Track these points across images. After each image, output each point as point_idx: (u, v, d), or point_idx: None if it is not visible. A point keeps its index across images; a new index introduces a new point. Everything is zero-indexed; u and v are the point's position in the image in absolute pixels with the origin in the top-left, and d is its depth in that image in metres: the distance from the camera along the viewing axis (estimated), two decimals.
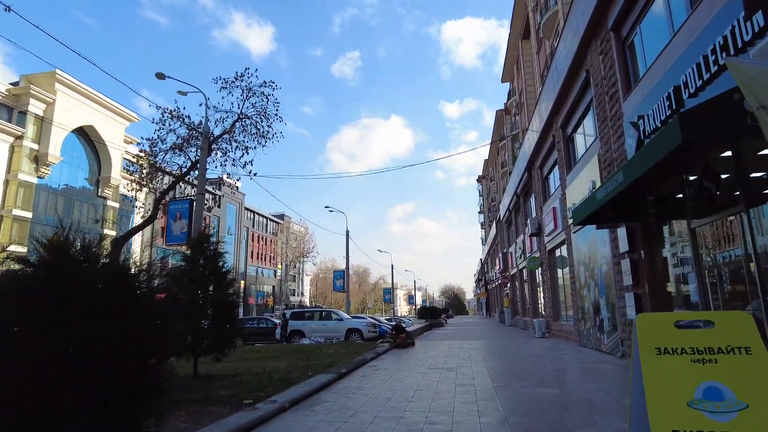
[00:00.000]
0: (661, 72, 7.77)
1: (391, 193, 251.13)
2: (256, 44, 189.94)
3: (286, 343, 21.23)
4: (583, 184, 12.45)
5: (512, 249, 31.41)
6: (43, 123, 41.98)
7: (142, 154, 18.80)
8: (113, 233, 48.83)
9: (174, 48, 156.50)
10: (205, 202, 20.90)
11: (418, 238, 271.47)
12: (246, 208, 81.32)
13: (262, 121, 20.54)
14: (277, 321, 24.17)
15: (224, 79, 20.01)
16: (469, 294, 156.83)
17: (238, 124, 20.23)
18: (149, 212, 19.29)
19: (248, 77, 20.03)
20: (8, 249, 4.75)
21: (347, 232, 38.76)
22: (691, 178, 7.39)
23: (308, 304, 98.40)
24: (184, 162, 20.06)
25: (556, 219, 16.33)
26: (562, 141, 15.35)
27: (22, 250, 34.15)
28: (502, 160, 44.03)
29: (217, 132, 20.10)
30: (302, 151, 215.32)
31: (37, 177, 41.95)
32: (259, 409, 5.54)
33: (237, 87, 20.08)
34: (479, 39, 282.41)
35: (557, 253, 17.85)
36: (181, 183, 21.37)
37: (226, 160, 20.32)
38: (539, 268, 21.01)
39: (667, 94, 6.99)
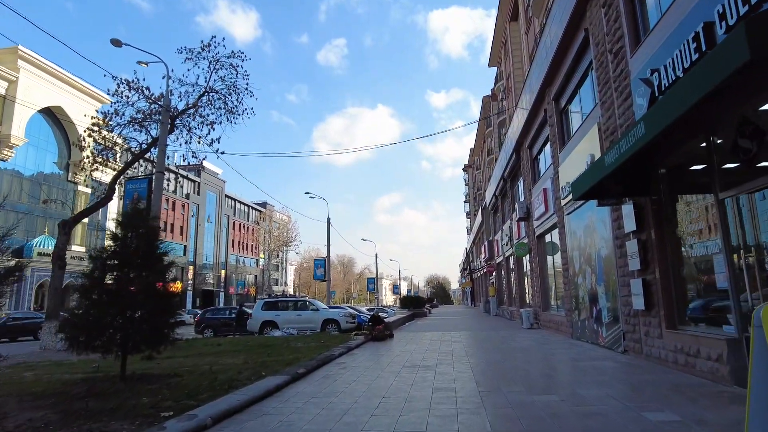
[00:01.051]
0: (682, 14, 6.43)
1: (378, 184, 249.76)
2: (241, 31, 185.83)
3: (258, 335, 19.81)
4: (579, 159, 11.16)
5: (498, 236, 30.27)
6: (5, 102, 39.55)
7: (94, 128, 17.04)
8: (85, 221, 46.74)
9: (156, 34, 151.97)
10: (167, 180, 19.23)
11: (404, 229, 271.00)
12: (227, 196, 79.16)
13: (231, 96, 18.92)
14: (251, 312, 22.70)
15: (189, 50, 18.30)
16: (455, 284, 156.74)
17: (204, 99, 18.56)
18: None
19: (215, 47, 18.34)
20: None
21: (328, 219, 37.31)
22: (719, 141, 6.10)
23: (292, 294, 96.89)
24: (145, 139, 18.38)
25: (546, 201, 15.08)
26: (555, 115, 14.03)
27: None
28: (489, 148, 42.88)
29: (181, 107, 18.44)
30: (288, 139, 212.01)
31: (0, 160, 39.57)
32: (166, 429, 4.12)
33: (203, 58, 18.40)
34: (465, 29, 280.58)
35: (547, 238, 16.65)
36: (145, 163, 19.71)
37: (191, 137, 18.63)
38: (527, 255, 19.82)
39: (693, 34, 5.65)
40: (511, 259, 25.24)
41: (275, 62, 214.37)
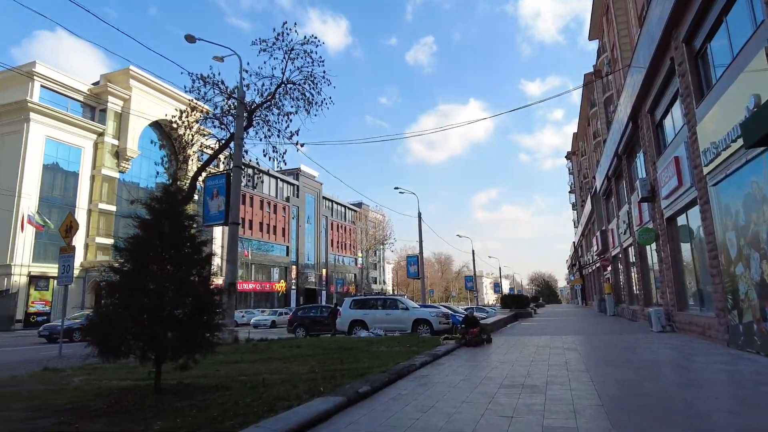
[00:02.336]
0: None
1: (473, 180, 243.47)
2: (332, 39, 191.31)
3: (347, 335, 18.71)
4: (732, 106, 8.31)
5: (613, 225, 26.47)
6: (122, 119, 43.14)
7: (173, 124, 17.01)
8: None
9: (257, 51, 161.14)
10: (247, 177, 18.86)
11: (503, 225, 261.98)
12: (324, 197, 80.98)
13: (308, 86, 18.01)
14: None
15: (263, 40, 17.66)
16: (562, 281, 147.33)
17: (281, 90, 17.82)
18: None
19: (287, 34, 17.50)
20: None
21: (419, 214, 35.72)
22: None
23: (390, 292, 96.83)
24: (224, 135, 18.11)
25: (680, 172, 12.00)
26: (687, 61, 11.00)
27: (108, 241, 34.84)
28: (594, 130, 38.40)
29: (258, 101, 17.88)
30: (381, 142, 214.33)
31: (119, 171, 43.23)
32: None
33: (278, 48, 17.66)
34: (559, 11, 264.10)
35: (680, 220, 13.45)
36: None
37: (270, 130, 17.99)
38: (653, 244, 16.49)
39: None
40: (631, 250, 21.66)
41: (366, 67, 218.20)
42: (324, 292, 73.87)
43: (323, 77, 18.23)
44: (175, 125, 17.18)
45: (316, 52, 17.66)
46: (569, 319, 25.05)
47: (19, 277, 34.87)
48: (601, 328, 17.76)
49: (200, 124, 17.38)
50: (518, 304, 31.10)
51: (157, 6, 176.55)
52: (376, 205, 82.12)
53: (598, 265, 36.06)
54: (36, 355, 13.48)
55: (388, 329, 18.31)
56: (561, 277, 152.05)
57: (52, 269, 32.93)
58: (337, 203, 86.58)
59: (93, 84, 43.01)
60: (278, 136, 18.10)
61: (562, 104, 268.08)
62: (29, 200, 36.22)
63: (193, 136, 17.68)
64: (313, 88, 18.07)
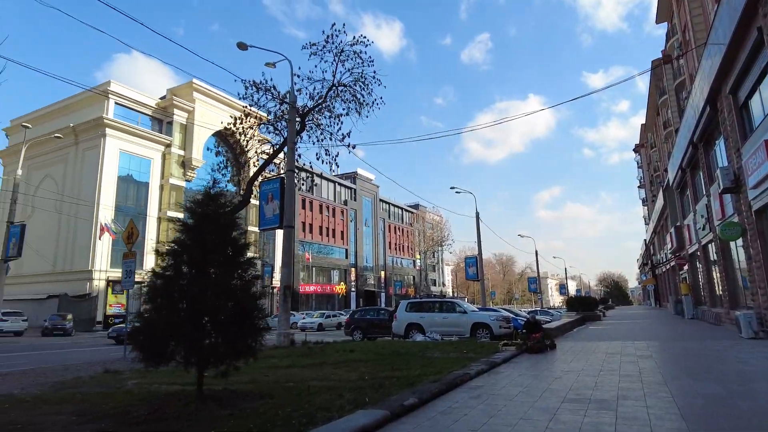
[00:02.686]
0: None
1: (535, 178, 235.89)
2: (386, 43, 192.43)
3: (403, 338, 18.31)
4: None
5: (689, 220, 24.35)
6: (187, 130, 45.26)
7: (227, 131, 17.38)
8: (256, 229, 51.46)
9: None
10: (302, 181, 18.95)
11: (568, 224, 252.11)
12: (381, 200, 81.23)
13: (358, 87, 17.85)
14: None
15: (313, 44, 17.67)
16: (632, 282, 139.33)
17: (332, 93, 17.77)
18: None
19: (336, 35, 17.40)
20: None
21: (477, 214, 34.76)
22: None
23: (450, 295, 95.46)
24: (278, 141, 18.30)
25: None
26: None
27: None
28: (664, 120, 35.67)
29: (310, 104, 17.93)
30: (437, 142, 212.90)
31: (185, 180, 45.35)
32: None
33: (328, 51, 17.63)
34: None
35: None
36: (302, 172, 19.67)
37: (322, 133, 17.97)
38: (738, 239, 14.83)
39: None
40: (712, 247, 19.75)
41: (420, 68, 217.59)
42: (383, 294, 73.95)
43: (374, 77, 18.02)
44: (230, 132, 17.53)
45: (366, 53, 17.47)
46: (642, 322, 23.29)
47: (98, 282, 37.33)
48: (680, 332, 16.25)
49: (255, 130, 17.67)
50: (585, 306, 29.38)
51: (219, 22, 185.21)
52: (433, 207, 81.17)
53: (672, 263, 33.44)
54: (105, 355, 14.12)
55: (445, 333, 17.72)
56: (631, 277, 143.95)
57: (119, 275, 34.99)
58: (394, 205, 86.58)
59: (160, 98, 45.47)
60: (330, 138, 18.05)
61: (628, 95, 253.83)
62: (107, 210, 38.73)
63: (248, 142, 18.00)
64: (364, 88, 17.89)
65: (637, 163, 65.41)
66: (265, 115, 17.84)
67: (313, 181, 20.23)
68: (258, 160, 20.16)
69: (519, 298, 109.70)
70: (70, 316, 30.66)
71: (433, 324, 18.43)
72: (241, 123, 17.49)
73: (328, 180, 68.90)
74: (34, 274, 41.02)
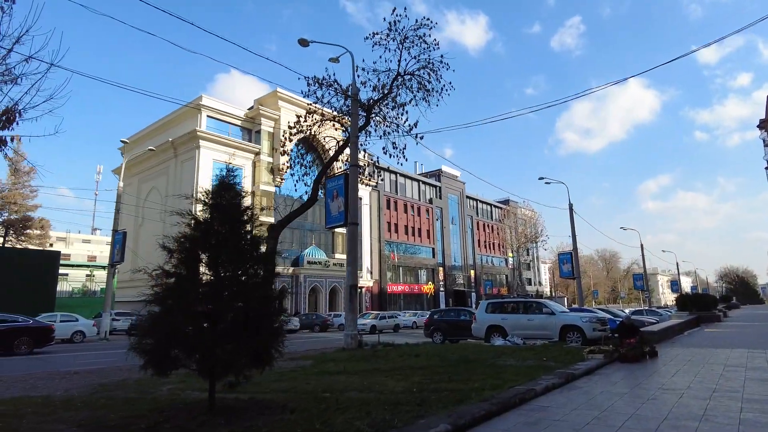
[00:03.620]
0: None
1: (640, 167, 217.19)
2: (471, 38, 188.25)
3: (484, 341, 16.93)
4: None
5: None
6: (274, 137, 47.01)
7: (292, 130, 17.16)
8: (339, 230, 52.22)
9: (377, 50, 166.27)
10: (368, 176, 18.25)
11: (680, 215, 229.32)
12: (468, 197, 78.95)
13: (428, 76, 16.79)
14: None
15: (376, 33, 16.92)
16: (763, 277, 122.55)
17: (398, 82, 16.88)
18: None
19: (398, 21, 16.49)
20: None
21: (570, 205, 31.92)
22: None
23: (547, 294, 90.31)
24: (344, 137, 17.80)
25: None
26: None
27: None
28: None
29: (376, 96, 17.19)
30: (528, 136, 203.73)
31: (275, 186, 47.13)
32: None
33: (391, 39, 16.78)
34: None
35: None
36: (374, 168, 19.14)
37: (388, 126, 17.15)
38: None
39: None
40: None
41: (508, 60, 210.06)
42: (473, 294, 71.64)
43: (441, 62, 16.85)
44: (294, 131, 17.32)
45: (430, 35, 16.36)
46: None
47: None
48: None
49: (319, 126, 17.33)
50: (700, 305, 25.57)
51: (309, 33, 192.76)
52: (523, 201, 77.14)
53: None
54: None
55: (531, 337, 16.05)
56: (761, 272, 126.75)
57: None
58: (482, 201, 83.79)
59: (248, 109, 47.70)
60: (397, 130, 17.18)
61: (749, 66, 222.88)
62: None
63: (313, 138, 17.72)
64: (432, 73, 16.78)
65: (764, 141, 56.89)
66: (330, 111, 17.42)
67: (379, 174, 19.31)
68: (325, 158, 19.87)
69: (625, 296, 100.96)
70: None
71: (517, 326, 16.81)
72: (305, 121, 17.22)
73: (412, 179, 68.22)
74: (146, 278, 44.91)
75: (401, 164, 18.18)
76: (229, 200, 5.83)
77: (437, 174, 73.84)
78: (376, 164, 17.55)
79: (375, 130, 17.66)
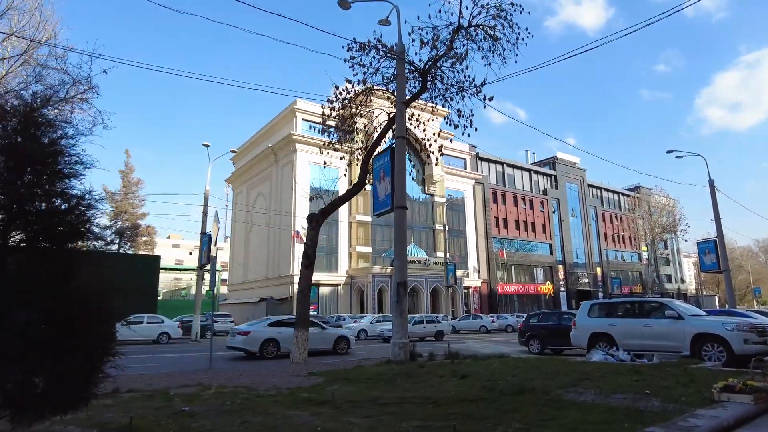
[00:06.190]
0: None
1: None
2: (590, 18, 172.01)
3: (586, 353, 13.14)
4: None
5: None
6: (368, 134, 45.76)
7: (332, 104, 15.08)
8: (440, 227, 49.33)
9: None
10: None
11: None
12: (589, 185, 70.84)
13: (499, 25, 13.55)
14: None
15: None
16: None
17: (459, 36, 13.84)
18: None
19: None
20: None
21: (711, 181, 25.64)
22: None
23: (692, 292, 77.61)
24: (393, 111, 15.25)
25: None
26: None
27: (367, 249, 36.60)
28: None
29: (434, 55, 14.35)
30: (662, 117, 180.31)
31: (370, 184, 45.83)
32: None
33: None
34: None
35: None
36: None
37: (449, 92, 14.20)
38: None
39: None
40: None
41: (633, 37, 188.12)
42: (600, 294, 63.65)
43: (512, 4, 13.48)
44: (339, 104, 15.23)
45: None
46: None
47: (296, 285, 40.14)
48: None
49: (364, 97, 15.08)
50: None
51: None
52: (655, 186, 66.83)
53: None
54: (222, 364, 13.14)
55: (648, 348, 12.00)
56: None
57: (317, 277, 36.49)
58: (607, 190, 74.65)
59: (341, 108, 47.25)
60: (461, 94, 14.15)
61: None
62: (302, 219, 41.55)
63: (357, 112, 15.51)
64: (504, 21, 13.47)
65: None
66: (378, 81, 15.00)
67: (465, 130, 15.62)
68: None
69: None
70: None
71: (630, 334, 12.77)
72: (347, 92, 15.03)
73: (522, 168, 62.84)
74: (253, 280, 46.63)
75: (468, 135, 15.06)
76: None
77: (551, 162, 67.21)
78: (458, 116, 14.18)
79: (435, 97, 14.82)
